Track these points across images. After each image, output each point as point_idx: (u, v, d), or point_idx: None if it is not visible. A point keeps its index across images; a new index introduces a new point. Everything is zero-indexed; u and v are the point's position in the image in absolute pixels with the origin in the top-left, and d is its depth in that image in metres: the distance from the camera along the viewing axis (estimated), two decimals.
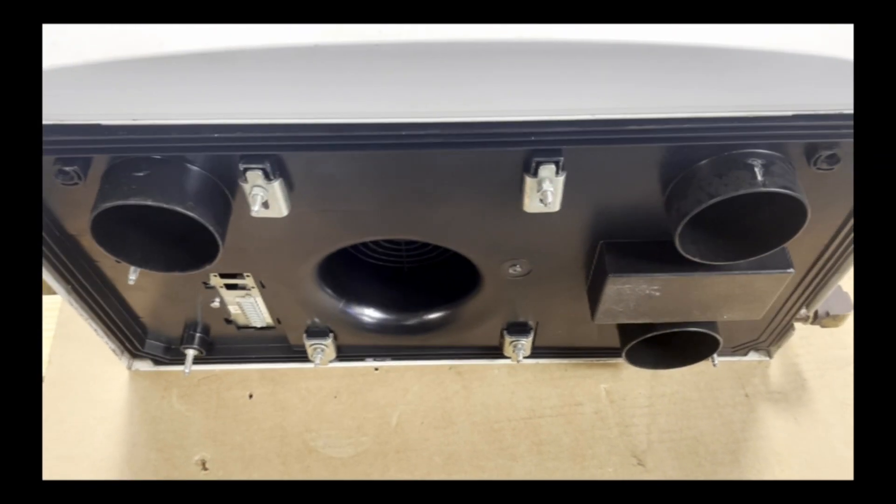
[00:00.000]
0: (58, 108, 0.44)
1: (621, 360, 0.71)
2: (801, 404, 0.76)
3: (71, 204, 0.53)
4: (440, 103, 0.45)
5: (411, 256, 0.71)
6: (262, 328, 0.72)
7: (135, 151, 0.47)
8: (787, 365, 0.79)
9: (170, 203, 0.46)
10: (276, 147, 0.47)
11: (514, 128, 0.46)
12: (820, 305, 0.68)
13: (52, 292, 0.87)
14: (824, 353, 0.79)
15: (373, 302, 0.71)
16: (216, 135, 0.45)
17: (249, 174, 0.47)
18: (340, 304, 0.70)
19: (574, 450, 0.72)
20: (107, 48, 0.41)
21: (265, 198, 0.49)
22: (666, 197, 0.52)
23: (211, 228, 0.48)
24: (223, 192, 0.50)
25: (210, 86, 0.43)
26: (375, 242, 0.69)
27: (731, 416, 0.75)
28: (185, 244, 0.53)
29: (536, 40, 0.42)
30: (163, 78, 0.42)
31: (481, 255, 0.60)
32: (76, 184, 0.48)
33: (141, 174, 0.47)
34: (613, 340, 0.70)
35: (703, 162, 0.49)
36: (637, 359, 0.70)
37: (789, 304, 0.68)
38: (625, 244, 0.57)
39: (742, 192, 0.47)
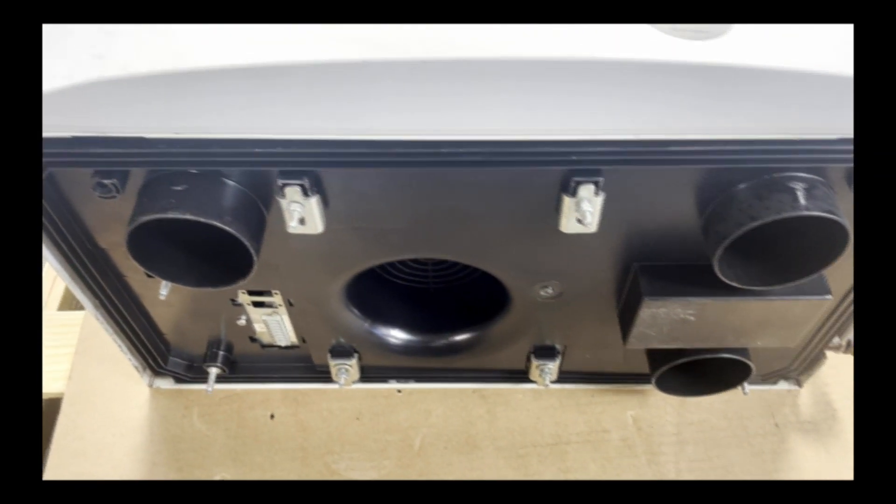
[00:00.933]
0: (99, 120, 0.44)
1: (648, 387, 0.70)
2: (831, 435, 0.74)
3: (105, 217, 0.53)
4: (482, 121, 0.45)
5: (437, 276, 0.71)
6: (286, 347, 0.71)
7: (174, 165, 0.47)
8: (816, 394, 0.77)
9: (208, 217, 0.46)
10: (314, 163, 0.47)
11: (555, 147, 0.46)
12: (852, 334, 0.67)
13: (74, 307, 0.88)
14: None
15: (399, 322, 0.70)
16: (256, 150, 0.45)
17: (288, 190, 0.47)
18: (366, 324, 0.69)
19: (601, 478, 0.71)
20: (153, 61, 0.42)
21: (302, 214, 0.48)
22: (704, 219, 0.51)
23: (247, 244, 0.48)
24: (259, 208, 0.50)
25: (254, 100, 0.43)
26: (402, 262, 0.69)
27: (760, 445, 0.73)
28: (217, 259, 0.53)
29: (580, 59, 0.42)
30: (207, 91, 0.42)
31: (513, 275, 0.59)
32: (114, 197, 0.48)
33: (179, 188, 0.47)
34: (641, 366, 0.69)
35: (743, 185, 0.48)
36: (667, 385, 0.68)
37: (822, 332, 0.67)
38: (659, 267, 0.56)
39: (784, 215, 0.46)
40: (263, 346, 0.71)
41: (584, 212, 0.48)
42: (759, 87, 0.44)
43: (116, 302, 0.63)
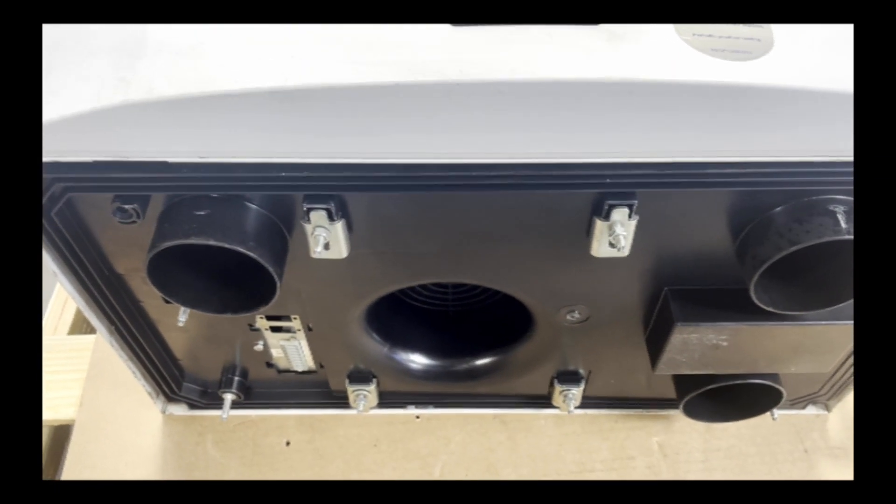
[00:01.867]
0: (122, 144, 0.43)
1: (674, 412, 0.68)
2: None
3: (123, 242, 0.52)
4: (513, 144, 0.44)
5: (458, 300, 0.69)
6: (302, 372, 0.70)
7: (196, 189, 0.46)
8: (845, 419, 0.75)
9: (231, 243, 0.45)
10: (340, 187, 0.46)
11: (588, 169, 0.45)
12: None
13: (85, 331, 0.86)
14: None
15: (418, 347, 0.69)
16: (282, 174, 0.44)
17: (313, 214, 0.46)
18: (385, 349, 0.67)
19: None
20: (178, 85, 0.41)
21: (327, 238, 0.47)
22: (738, 243, 0.50)
23: (271, 270, 0.46)
24: (282, 232, 0.49)
25: (279, 123, 0.42)
26: (422, 285, 0.68)
27: (789, 472, 0.71)
28: (238, 285, 0.52)
29: (613, 80, 0.41)
30: (233, 115, 0.41)
31: (539, 299, 0.58)
32: (134, 222, 0.47)
33: (202, 213, 0.45)
34: (666, 391, 0.68)
35: (781, 208, 0.47)
36: (694, 411, 0.67)
37: (852, 357, 0.65)
38: (691, 291, 0.55)
39: (826, 239, 0.45)
40: (280, 371, 0.70)
41: (617, 235, 0.46)
42: (795, 109, 0.42)
43: (131, 327, 0.61)
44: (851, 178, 0.45)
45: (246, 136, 0.42)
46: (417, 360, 0.69)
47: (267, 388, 0.73)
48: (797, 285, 0.52)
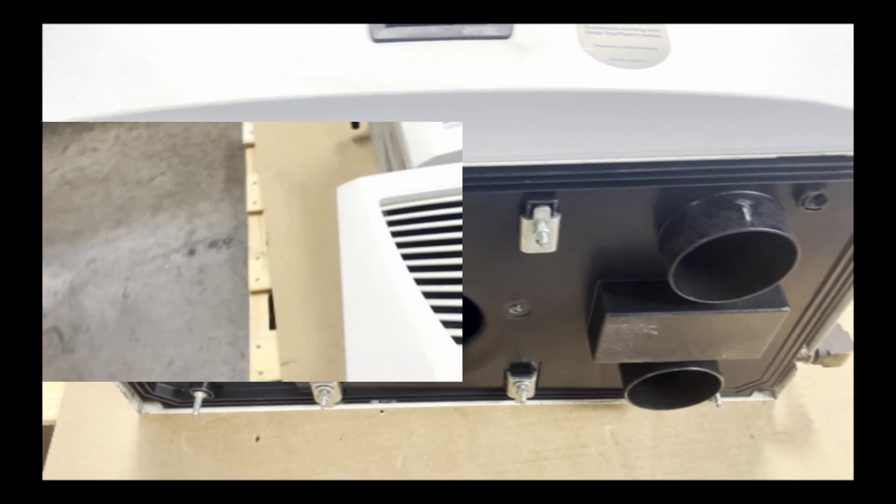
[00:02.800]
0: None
1: (626, 402, 0.71)
2: (807, 445, 0.75)
3: None
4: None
5: None
6: None
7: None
8: (792, 406, 0.78)
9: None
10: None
11: (512, 171, 0.48)
12: (820, 344, 0.69)
13: None
14: (829, 393, 0.79)
15: None
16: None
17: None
18: None
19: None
20: None
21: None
22: (659, 237, 0.53)
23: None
24: None
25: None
26: None
27: (736, 457, 0.74)
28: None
29: (529, 89, 0.45)
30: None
31: (483, 295, 0.61)
32: None
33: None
34: (617, 381, 0.71)
35: (694, 203, 0.51)
36: (640, 399, 0.70)
37: (789, 344, 0.69)
38: (623, 284, 0.58)
39: (731, 231, 0.48)
40: None
41: (540, 233, 0.50)
42: (701, 111, 0.46)
43: None
44: (757, 175, 0.49)
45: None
46: None
47: (236, 386, 0.76)
48: (717, 276, 0.55)
